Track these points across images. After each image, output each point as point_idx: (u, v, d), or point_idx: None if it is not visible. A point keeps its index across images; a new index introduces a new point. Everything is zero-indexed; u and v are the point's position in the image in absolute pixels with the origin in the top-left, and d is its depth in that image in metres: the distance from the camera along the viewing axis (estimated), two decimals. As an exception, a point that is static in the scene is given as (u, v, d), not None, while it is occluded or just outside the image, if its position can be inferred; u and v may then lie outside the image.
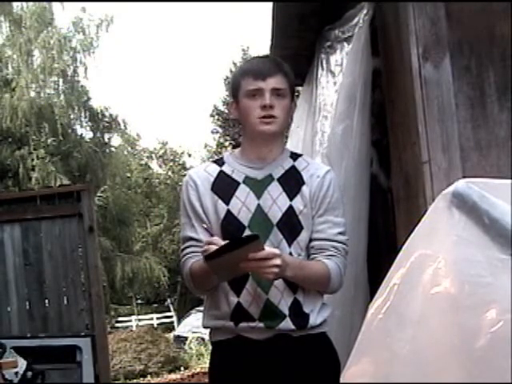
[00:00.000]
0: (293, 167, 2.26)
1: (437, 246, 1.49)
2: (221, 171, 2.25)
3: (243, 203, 2.18)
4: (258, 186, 2.21)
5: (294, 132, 3.81)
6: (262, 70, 2.20)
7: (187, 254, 2.22)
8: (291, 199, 2.21)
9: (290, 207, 2.20)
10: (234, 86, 2.26)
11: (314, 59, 3.57)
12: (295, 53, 3.95)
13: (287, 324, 2.16)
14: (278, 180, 2.23)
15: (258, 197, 2.20)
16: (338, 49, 3.22)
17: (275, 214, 2.18)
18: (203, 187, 2.22)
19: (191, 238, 2.21)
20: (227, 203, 2.18)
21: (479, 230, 1.45)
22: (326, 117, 3.20)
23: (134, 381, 12.18)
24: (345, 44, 3.12)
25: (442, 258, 1.46)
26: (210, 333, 2.27)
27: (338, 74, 3.12)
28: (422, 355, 1.43)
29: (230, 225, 2.17)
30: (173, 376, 12.22)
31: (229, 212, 2.17)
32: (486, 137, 2.28)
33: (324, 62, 3.42)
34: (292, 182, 2.24)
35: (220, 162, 2.28)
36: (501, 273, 1.38)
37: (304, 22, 3.59)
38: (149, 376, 12.36)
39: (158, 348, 13.06)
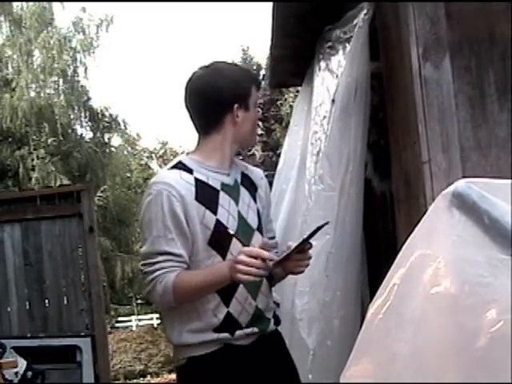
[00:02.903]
0: (242, 171, 2.30)
1: (437, 246, 1.49)
2: (196, 179, 2.15)
3: (228, 211, 2.16)
4: (234, 193, 2.21)
5: (293, 131, 3.81)
6: (260, 82, 2.28)
7: (164, 267, 2.08)
8: (255, 202, 2.27)
9: (258, 210, 2.27)
10: (244, 92, 2.21)
11: (313, 59, 3.57)
12: (295, 53, 3.94)
13: (272, 325, 2.24)
14: (242, 185, 2.26)
15: (236, 203, 2.20)
16: (338, 49, 3.21)
17: (253, 219, 2.22)
18: (188, 197, 2.11)
19: (169, 253, 2.08)
20: (215, 213, 2.13)
21: (479, 229, 1.45)
22: (324, 117, 3.20)
23: (134, 381, 12.20)
24: (344, 44, 3.11)
25: (441, 258, 1.46)
26: (182, 349, 2.16)
27: (337, 75, 3.12)
28: (422, 355, 1.43)
29: (220, 235, 2.12)
30: (173, 376, 12.19)
31: (218, 222, 2.12)
32: (486, 137, 2.28)
33: (323, 62, 3.42)
34: (250, 185, 2.29)
35: (187, 169, 2.17)
36: (501, 273, 1.38)
37: (304, 22, 3.59)
38: (149, 376, 12.38)
39: (158, 348, 13.08)
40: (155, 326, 21.87)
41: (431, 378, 1.41)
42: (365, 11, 2.86)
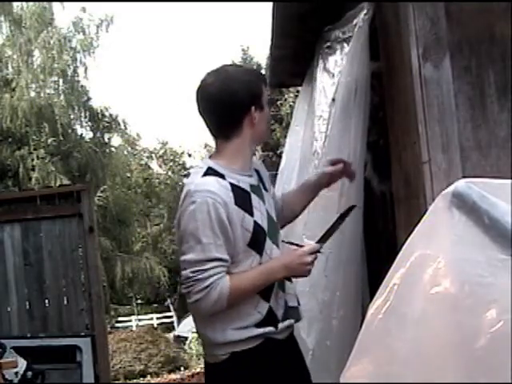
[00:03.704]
0: (255, 168, 2.37)
1: (437, 246, 1.49)
2: (231, 184, 2.20)
3: (260, 211, 2.24)
4: (259, 192, 2.29)
5: (294, 131, 3.82)
6: (266, 79, 2.37)
7: (216, 273, 2.13)
8: (270, 196, 2.38)
9: (274, 204, 2.40)
10: (258, 92, 2.24)
11: (313, 59, 3.57)
12: (295, 53, 3.95)
13: (300, 316, 2.35)
14: (261, 182, 2.35)
15: (264, 202, 2.28)
16: (338, 49, 3.22)
17: (274, 214, 2.33)
18: (229, 203, 2.16)
19: (220, 259, 2.14)
20: (252, 215, 2.20)
21: (479, 230, 1.45)
22: (322, 116, 3.21)
23: (134, 381, 12.20)
24: (344, 44, 3.12)
25: (441, 258, 1.46)
26: (225, 346, 2.19)
27: (337, 75, 3.12)
28: (422, 355, 1.43)
29: (259, 235, 2.21)
30: (173, 376, 12.23)
31: (255, 223, 2.20)
32: (486, 137, 2.28)
33: (323, 62, 3.42)
34: (262, 180, 2.37)
35: (219, 174, 2.21)
36: (501, 273, 1.38)
37: (304, 22, 3.59)
38: (149, 376, 12.38)
39: (158, 348, 13.07)
40: (155, 325, 21.90)
41: (431, 378, 1.41)
42: (365, 11, 2.86)
